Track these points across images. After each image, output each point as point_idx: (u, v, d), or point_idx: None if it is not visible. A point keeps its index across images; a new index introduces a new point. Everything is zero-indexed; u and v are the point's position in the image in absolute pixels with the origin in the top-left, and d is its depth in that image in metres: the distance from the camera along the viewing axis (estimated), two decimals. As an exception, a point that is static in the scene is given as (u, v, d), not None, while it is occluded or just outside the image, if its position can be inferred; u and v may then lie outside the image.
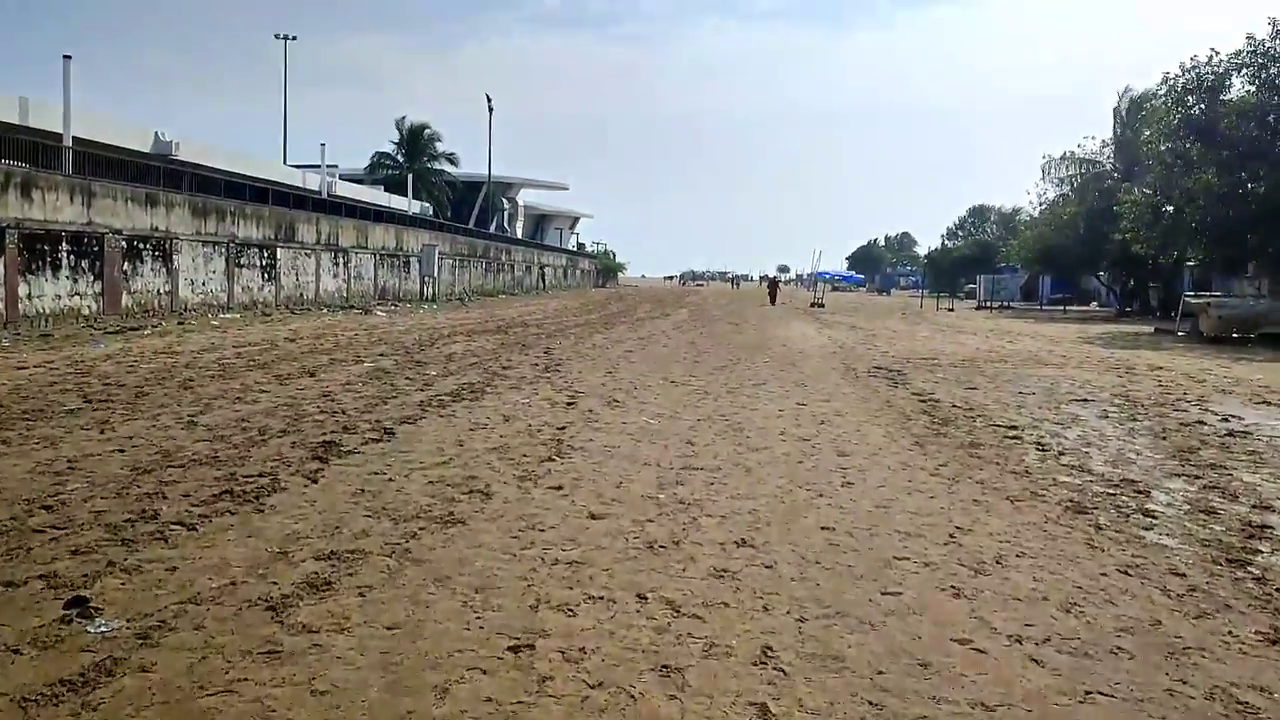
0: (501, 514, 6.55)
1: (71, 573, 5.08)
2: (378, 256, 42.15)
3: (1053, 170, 51.28)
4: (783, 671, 4.10)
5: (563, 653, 4.23)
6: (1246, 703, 3.90)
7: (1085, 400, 13.28)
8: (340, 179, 54.22)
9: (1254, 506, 7.16)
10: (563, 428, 10.09)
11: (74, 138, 26.73)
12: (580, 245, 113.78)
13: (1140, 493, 7.56)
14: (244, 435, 9.10)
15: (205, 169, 34.77)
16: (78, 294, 23.21)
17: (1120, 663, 4.26)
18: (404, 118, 68.52)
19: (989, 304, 57.73)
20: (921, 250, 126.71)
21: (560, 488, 7.37)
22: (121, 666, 3.97)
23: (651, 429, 10.24)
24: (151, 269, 26.22)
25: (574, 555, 5.65)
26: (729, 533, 6.22)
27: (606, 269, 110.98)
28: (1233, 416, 11.75)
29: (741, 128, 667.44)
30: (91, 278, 23.70)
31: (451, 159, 70.27)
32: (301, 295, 34.71)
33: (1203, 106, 30.89)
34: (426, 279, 46.45)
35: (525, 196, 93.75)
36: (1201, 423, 11.29)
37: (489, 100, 69.05)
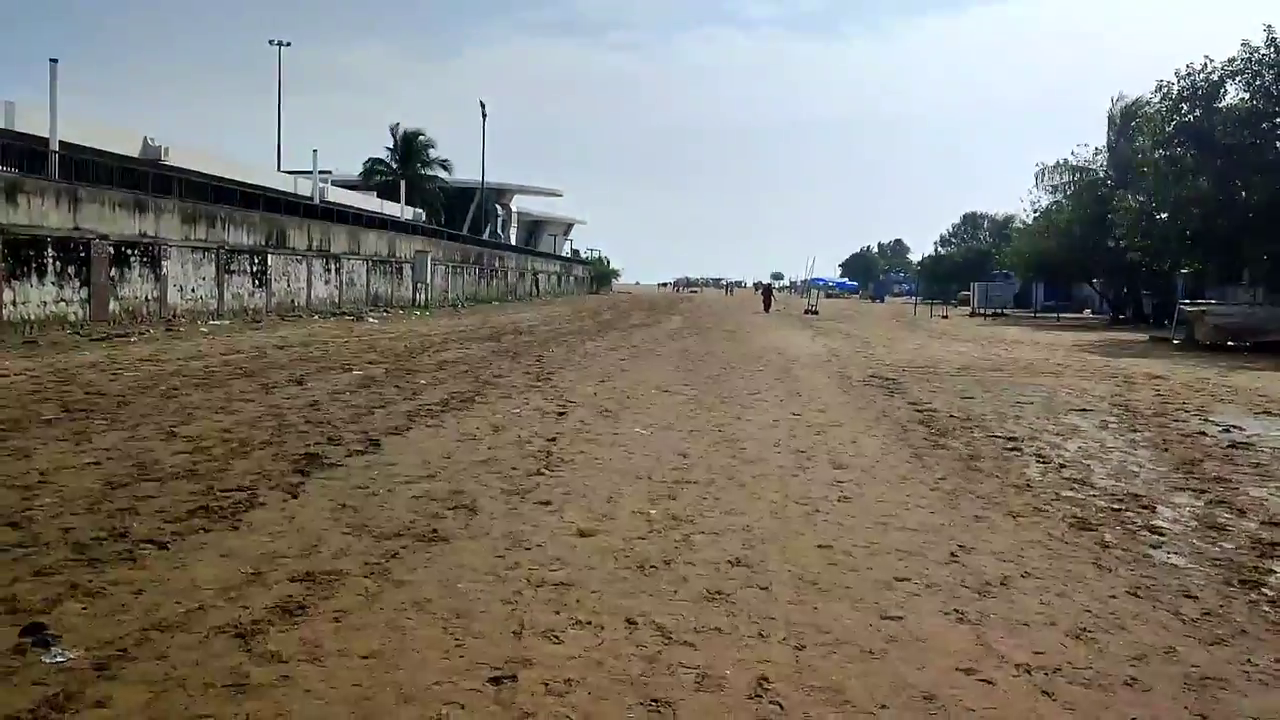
0: (487, 531, 6.32)
1: (32, 596, 4.83)
2: (370, 263, 41.88)
3: (1046, 177, 51.20)
4: (779, 706, 3.86)
5: (547, 685, 3.99)
6: (1271, 739, 3.68)
7: (1084, 410, 13.08)
8: (334, 185, 53.93)
9: (1263, 523, 6.95)
10: (553, 439, 9.85)
11: (61, 142, 26.39)
12: (574, 252, 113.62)
13: (1145, 508, 7.35)
14: (225, 447, 8.84)
15: (195, 174, 34.48)
16: (64, 300, 22.91)
17: (1136, 695, 4.04)
18: (398, 124, 68.39)
19: (982, 311, 57.63)
20: (915, 257, 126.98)
21: (549, 503, 7.14)
22: (75, 702, 3.72)
23: (643, 440, 10.01)
24: (140, 275, 25.92)
25: (561, 576, 5.41)
26: (723, 551, 5.99)
27: (600, 276, 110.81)
28: (1234, 427, 11.56)
29: (735, 135, 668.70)
30: (78, 284, 23.40)
31: (445, 165, 70.09)
32: (293, 302, 34.42)
33: (1197, 114, 30.79)
34: (419, 285, 46.19)
35: (519, 203, 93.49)
36: (1203, 434, 11.10)
37: (483, 107, 69.01)
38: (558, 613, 4.83)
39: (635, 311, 49.48)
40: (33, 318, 21.73)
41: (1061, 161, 49.58)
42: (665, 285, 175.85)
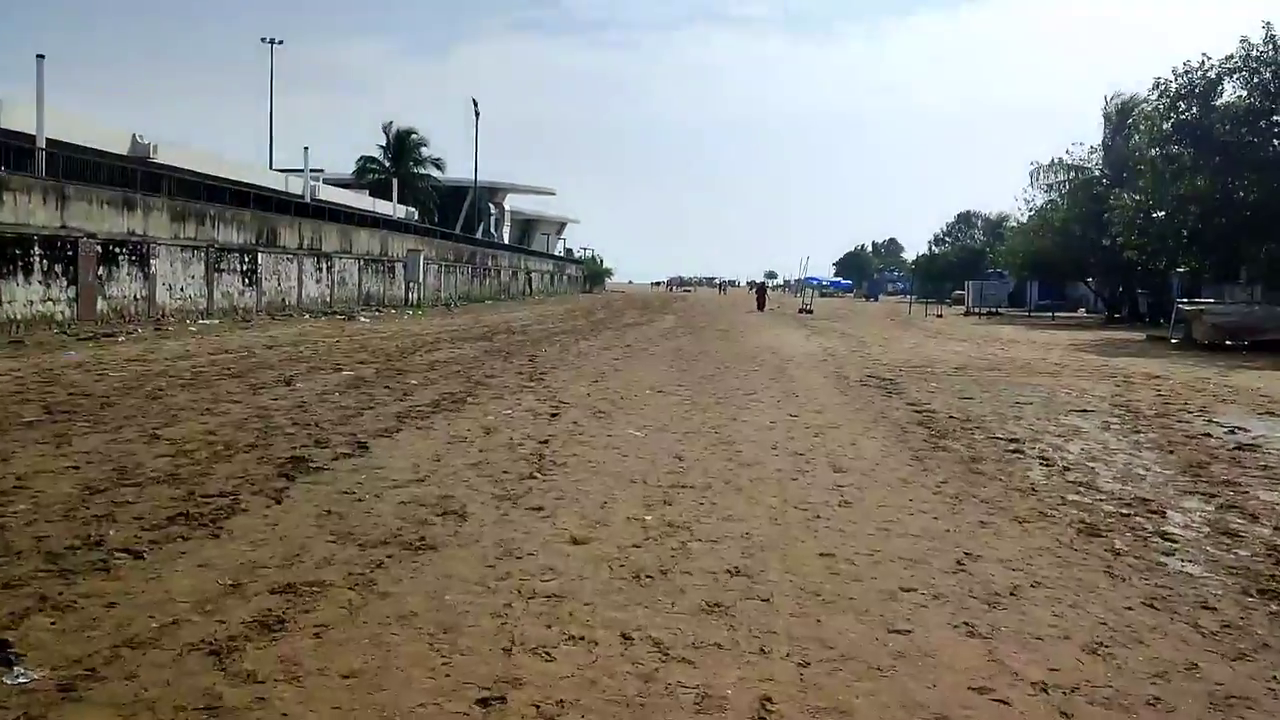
0: (477, 538, 6.10)
1: (-2, 610, 4.61)
2: (362, 262, 41.58)
3: (1041, 176, 51.05)
4: (784, 728, 3.65)
5: (538, 707, 3.77)
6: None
7: (1085, 411, 12.90)
8: (326, 183, 53.58)
9: (1278, 529, 6.76)
10: (545, 441, 9.63)
11: (48, 139, 26.09)
12: (567, 251, 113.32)
13: (1155, 513, 7.15)
14: (209, 450, 8.60)
15: (185, 172, 34.16)
16: (50, 299, 22.61)
17: (1160, 716, 3.83)
18: (390, 123, 68.00)
19: (977, 310, 57.51)
20: (909, 256, 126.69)
21: (541, 508, 6.91)
22: (35, 728, 3.50)
23: (638, 442, 9.79)
24: (128, 274, 25.62)
25: (553, 587, 5.19)
26: (721, 559, 5.78)
27: (593, 274, 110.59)
28: (1239, 428, 11.38)
29: (729, 134, 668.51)
30: (65, 282, 23.10)
31: (438, 164, 69.68)
32: (284, 301, 34.13)
33: (1195, 111, 30.63)
34: (411, 284, 45.91)
35: (512, 202, 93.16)
36: (1208, 435, 10.91)
37: (475, 105, 68.53)
38: (549, 627, 4.61)
39: (629, 310, 49.24)
40: (19, 317, 21.44)
41: (1057, 160, 49.44)
42: (659, 284, 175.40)
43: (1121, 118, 45.03)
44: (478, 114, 68.29)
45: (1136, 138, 37.22)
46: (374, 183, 63.77)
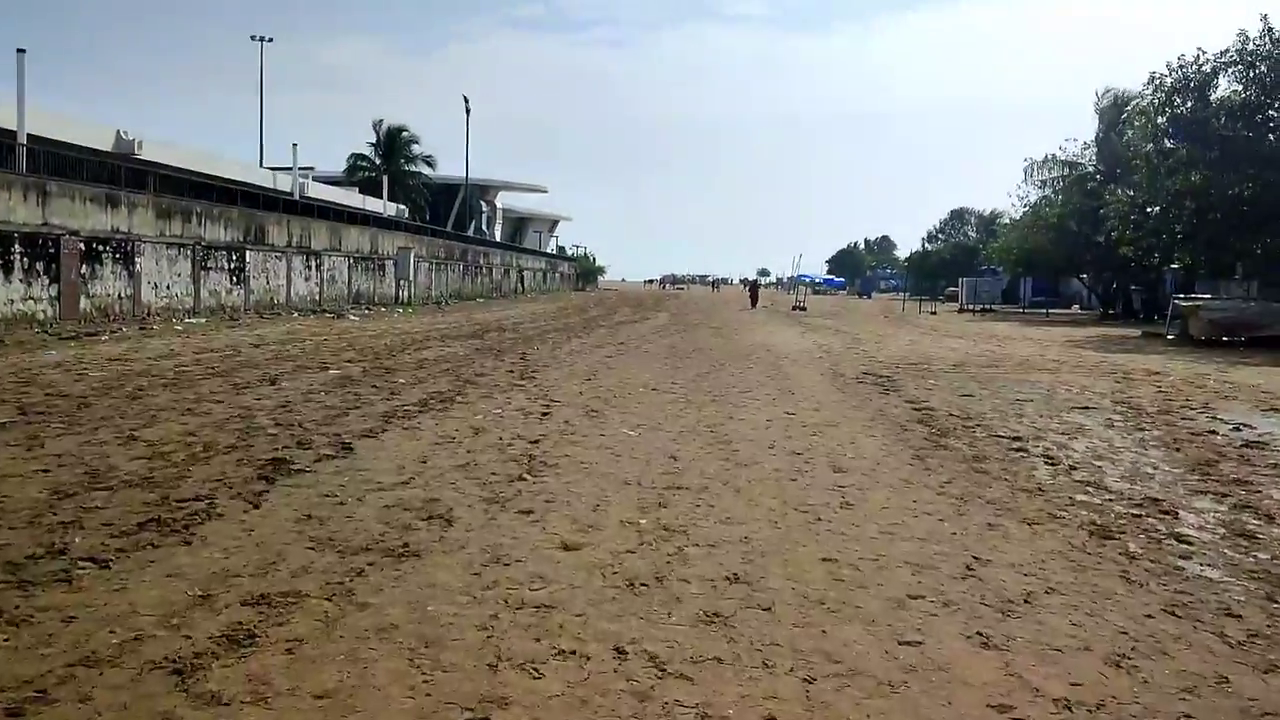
0: (463, 544, 5.81)
1: (-52, 626, 4.31)
2: (352, 259, 41.18)
3: (1035, 172, 50.86)
4: (791, 753, 3.38)
5: (524, 730, 3.49)
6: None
7: (1087, 408, 12.65)
8: (316, 181, 53.15)
9: (1295, 530, 6.51)
10: (536, 441, 9.34)
11: (29, 135, 25.67)
12: (560, 249, 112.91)
13: (1167, 513, 6.90)
14: (187, 452, 8.30)
15: (170, 169, 33.73)
16: (31, 298, 22.21)
17: (1194, 737, 3.57)
18: (381, 120, 67.60)
19: (971, 307, 57.32)
20: (901, 253, 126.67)
21: (530, 512, 6.63)
22: (-27, 759, 3.21)
23: (632, 442, 9.51)
24: (112, 272, 25.21)
25: (542, 596, 4.91)
26: (719, 566, 5.50)
27: (586, 272, 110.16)
28: (1244, 425, 11.15)
29: (722, 132, 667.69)
30: (47, 281, 22.70)
31: (429, 161, 69.33)
32: (272, 299, 33.73)
33: (1190, 106, 30.43)
34: (402, 282, 45.52)
35: (504, 199, 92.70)
36: (1213, 432, 10.68)
37: (466, 103, 68.19)
38: (538, 640, 4.33)
39: (621, 308, 48.95)
40: None
41: (1050, 156, 49.30)
42: (651, 282, 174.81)
43: (1114, 113, 44.83)
44: (469, 111, 68.03)
45: (1131, 133, 37.04)
46: (365, 180, 63.37)
